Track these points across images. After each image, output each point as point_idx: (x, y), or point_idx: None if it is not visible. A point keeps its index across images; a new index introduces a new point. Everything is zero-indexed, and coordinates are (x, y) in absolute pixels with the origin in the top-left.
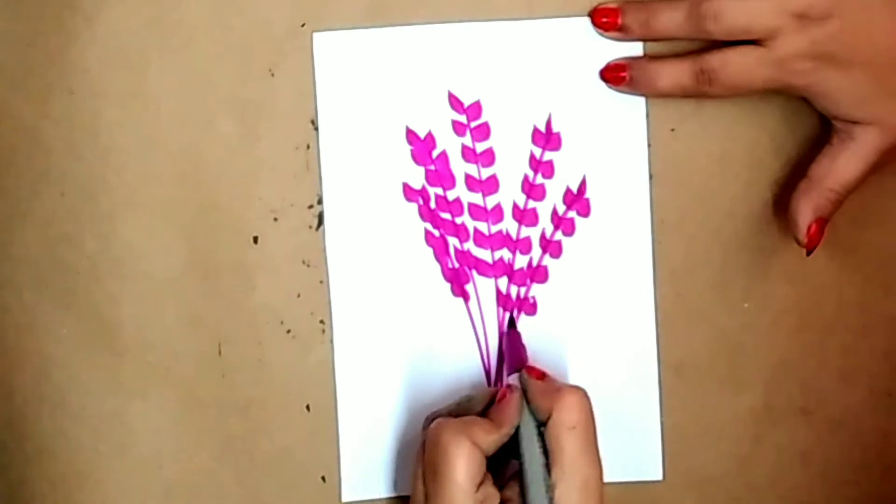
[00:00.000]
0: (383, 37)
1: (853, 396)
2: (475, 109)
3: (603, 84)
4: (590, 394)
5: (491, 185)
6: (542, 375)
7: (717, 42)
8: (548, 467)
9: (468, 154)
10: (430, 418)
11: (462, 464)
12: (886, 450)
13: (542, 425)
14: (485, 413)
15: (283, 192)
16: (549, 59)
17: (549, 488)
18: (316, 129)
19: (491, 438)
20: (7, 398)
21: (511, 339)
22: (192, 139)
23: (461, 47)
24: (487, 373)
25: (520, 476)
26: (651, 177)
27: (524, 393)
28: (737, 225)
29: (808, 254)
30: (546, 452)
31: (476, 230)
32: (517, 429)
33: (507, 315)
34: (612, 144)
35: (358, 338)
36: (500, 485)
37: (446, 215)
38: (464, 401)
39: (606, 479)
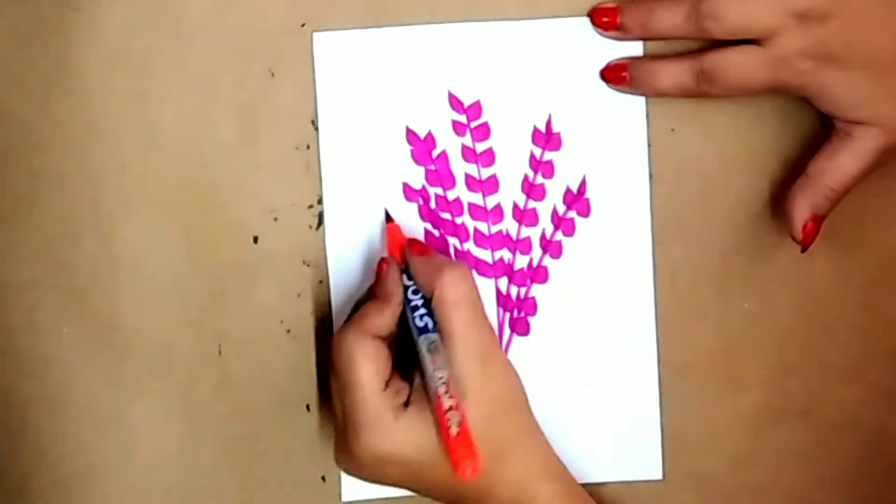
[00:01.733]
0: (383, 37)
1: (853, 396)
2: (475, 109)
3: (603, 84)
4: (590, 393)
5: (491, 185)
6: (423, 250)
7: (717, 42)
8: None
9: (468, 154)
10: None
11: (366, 363)
12: (886, 450)
13: (429, 302)
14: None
15: (283, 192)
16: (549, 59)
17: (442, 361)
18: (316, 129)
19: (384, 318)
20: (7, 398)
21: (390, 230)
22: (192, 139)
23: (461, 47)
24: None
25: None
26: (651, 177)
27: (407, 270)
28: (737, 225)
29: (804, 251)
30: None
31: (476, 230)
32: (405, 310)
33: (384, 209)
34: (612, 144)
35: None
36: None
37: (446, 215)
38: (353, 308)
39: (606, 478)
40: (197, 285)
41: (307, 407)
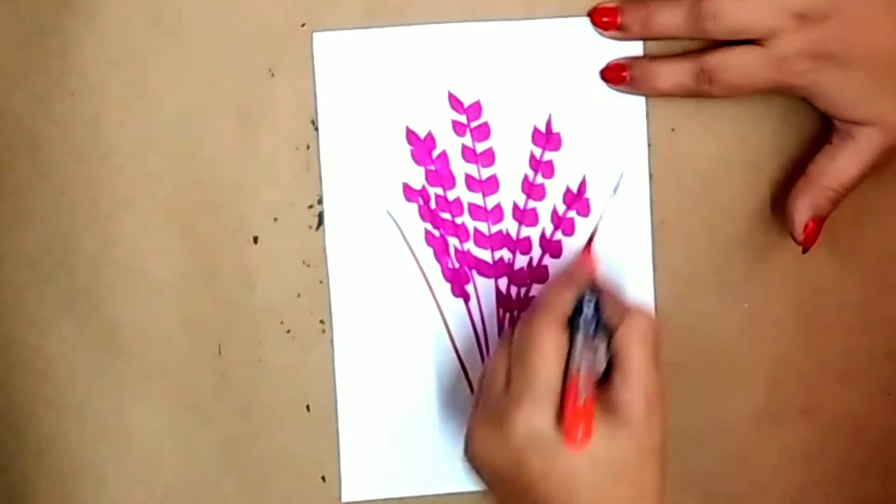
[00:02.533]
0: (383, 37)
1: (853, 396)
2: (475, 109)
3: (603, 84)
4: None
5: (491, 185)
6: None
7: (717, 42)
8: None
9: (468, 154)
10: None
11: (551, 348)
12: (887, 450)
13: (611, 334)
14: None
15: (283, 192)
16: (549, 59)
17: (599, 354)
18: (316, 129)
19: (567, 297)
20: (7, 398)
21: (585, 258)
22: (192, 139)
23: (461, 47)
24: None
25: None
26: (651, 177)
27: (597, 301)
28: (737, 225)
29: (805, 251)
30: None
31: (476, 230)
32: (580, 333)
33: (591, 233)
34: (612, 144)
35: (358, 338)
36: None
37: (446, 215)
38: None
39: None
40: (197, 285)
41: (307, 407)
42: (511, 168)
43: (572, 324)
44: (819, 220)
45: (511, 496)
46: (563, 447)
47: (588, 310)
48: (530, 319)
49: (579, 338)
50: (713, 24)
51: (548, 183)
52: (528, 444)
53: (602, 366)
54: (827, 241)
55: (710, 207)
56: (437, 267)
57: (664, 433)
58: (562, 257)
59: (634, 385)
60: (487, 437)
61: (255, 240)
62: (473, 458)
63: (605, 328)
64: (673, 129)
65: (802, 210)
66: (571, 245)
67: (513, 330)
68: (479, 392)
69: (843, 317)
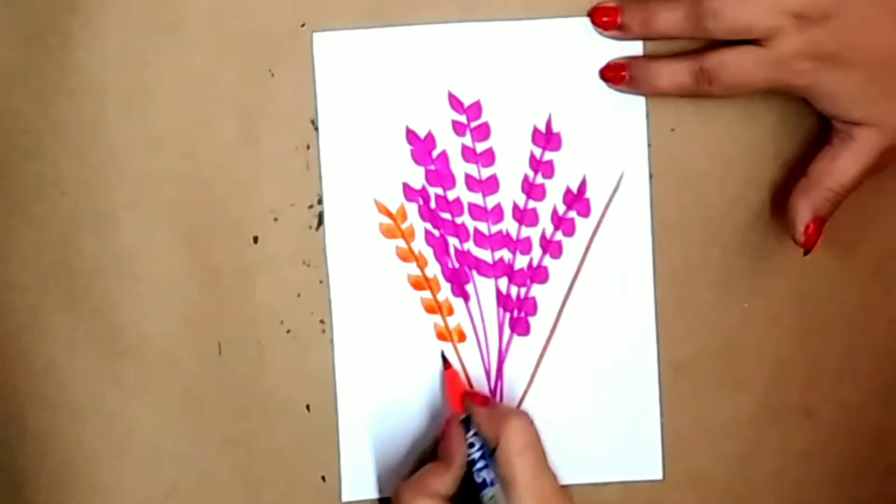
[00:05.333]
0: (383, 37)
1: (853, 396)
2: (475, 109)
3: (603, 84)
4: (590, 393)
5: (491, 185)
6: (485, 401)
7: (717, 42)
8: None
9: (468, 154)
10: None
11: None
12: (887, 449)
13: (492, 451)
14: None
15: (283, 192)
16: (549, 59)
17: None
18: (316, 129)
19: (445, 479)
20: (7, 398)
21: (449, 377)
22: (192, 139)
23: (461, 47)
24: (487, 373)
25: None
26: (651, 177)
27: (470, 420)
28: (737, 225)
29: (806, 253)
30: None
31: (476, 230)
32: (468, 461)
33: (441, 352)
34: (612, 144)
35: (358, 338)
36: None
37: (446, 215)
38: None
39: (606, 478)
40: (197, 285)
41: (307, 407)
42: (511, 168)
43: (479, 496)
44: (820, 222)
45: None
46: None
47: (475, 471)
48: (396, 498)
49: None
50: (713, 23)
51: (548, 183)
52: None
53: None
54: (827, 241)
55: (710, 207)
56: (438, 267)
57: None
58: (561, 257)
59: (527, 498)
60: None
61: (255, 240)
62: None
63: (486, 447)
64: (673, 129)
65: (803, 211)
66: (571, 245)
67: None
68: None
69: (843, 317)
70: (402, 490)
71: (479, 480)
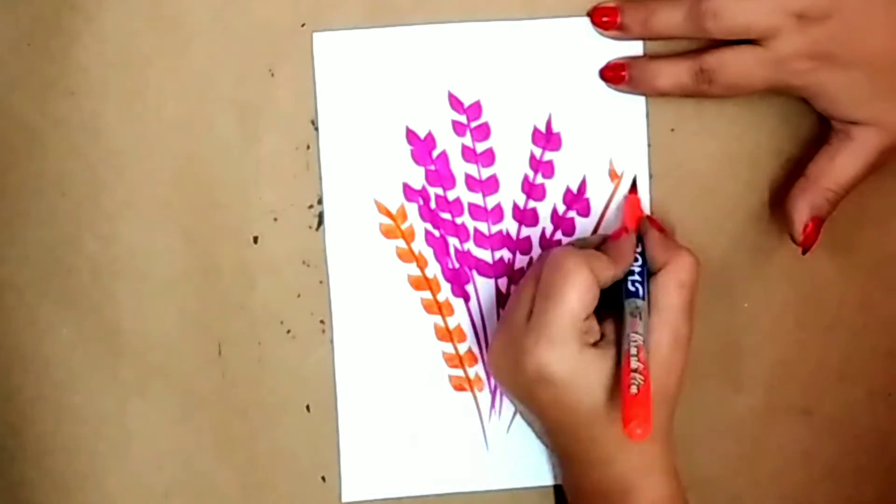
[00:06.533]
0: (383, 37)
1: (853, 396)
2: (475, 109)
3: (603, 84)
4: None
5: (491, 185)
6: (661, 229)
7: (717, 42)
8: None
9: (468, 154)
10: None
11: (579, 290)
12: (887, 450)
13: (651, 275)
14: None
15: (283, 192)
16: (549, 59)
17: (645, 332)
18: (316, 129)
19: (608, 274)
20: (7, 398)
21: (631, 200)
22: (192, 139)
23: (461, 47)
24: (487, 372)
25: (617, 316)
26: (651, 177)
27: (642, 240)
28: (737, 225)
29: (804, 252)
30: (649, 300)
31: (476, 230)
32: (627, 312)
33: (633, 178)
34: (612, 144)
35: (358, 338)
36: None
37: (446, 215)
38: (577, 242)
39: None
40: (197, 285)
41: (307, 407)
42: (511, 168)
43: (623, 300)
44: (818, 221)
45: (528, 412)
46: (572, 386)
47: (629, 280)
48: (563, 256)
49: (626, 310)
50: (713, 23)
51: (548, 183)
52: (538, 381)
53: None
54: (827, 241)
55: (710, 207)
56: (438, 267)
57: (682, 379)
58: None
59: (666, 327)
60: (503, 364)
61: (255, 240)
62: (492, 374)
63: (648, 270)
64: (673, 129)
65: (802, 211)
66: None
67: (543, 260)
68: (505, 314)
69: (843, 317)
70: (569, 253)
71: (632, 289)
